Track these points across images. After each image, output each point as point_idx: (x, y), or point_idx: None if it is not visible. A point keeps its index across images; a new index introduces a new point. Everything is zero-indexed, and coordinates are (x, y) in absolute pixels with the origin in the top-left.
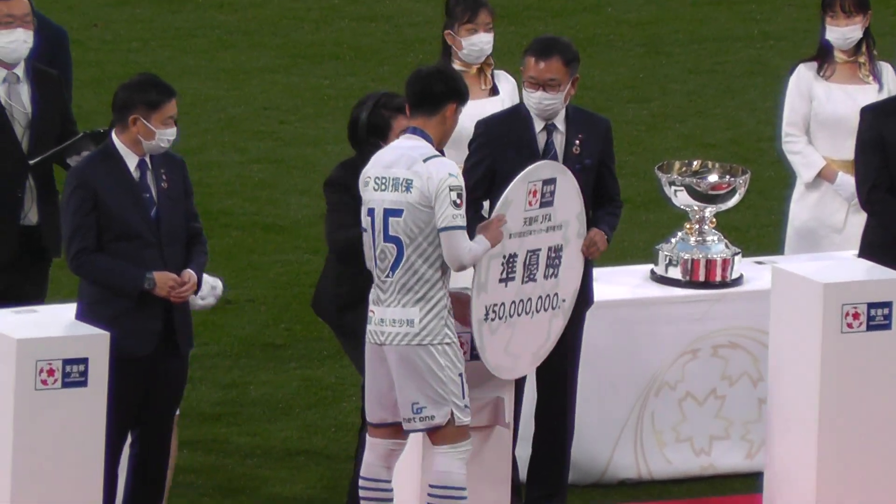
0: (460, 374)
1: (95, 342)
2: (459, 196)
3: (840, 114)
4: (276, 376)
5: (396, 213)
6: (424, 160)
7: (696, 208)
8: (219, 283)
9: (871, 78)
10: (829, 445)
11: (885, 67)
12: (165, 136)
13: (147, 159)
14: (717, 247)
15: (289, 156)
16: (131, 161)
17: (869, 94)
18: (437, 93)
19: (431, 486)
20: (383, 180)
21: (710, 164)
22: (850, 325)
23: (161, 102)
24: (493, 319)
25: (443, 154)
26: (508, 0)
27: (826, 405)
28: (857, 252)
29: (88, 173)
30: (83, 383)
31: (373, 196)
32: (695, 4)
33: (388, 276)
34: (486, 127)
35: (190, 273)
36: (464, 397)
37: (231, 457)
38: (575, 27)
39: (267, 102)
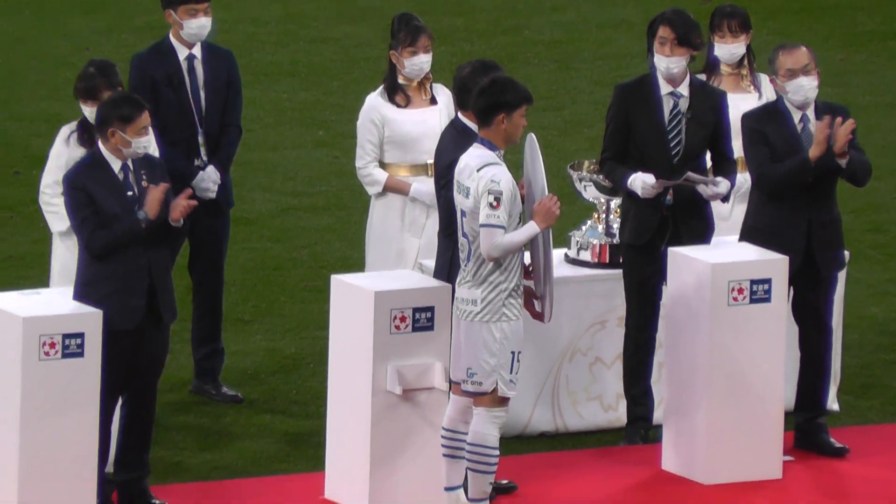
0: (513, 352)
1: (91, 318)
2: (496, 199)
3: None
4: (244, 347)
5: (464, 214)
6: (478, 169)
7: (602, 200)
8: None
9: (752, 87)
10: (717, 401)
11: (764, 78)
12: (141, 143)
13: (129, 163)
14: None
15: (253, 159)
16: (115, 165)
17: (750, 101)
18: (484, 109)
19: (469, 443)
20: (458, 185)
21: None
22: (735, 299)
23: (133, 116)
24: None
25: (501, 158)
26: (441, 24)
27: (714, 368)
28: (738, 237)
29: (80, 178)
30: (80, 354)
31: (455, 197)
32: (599, 27)
33: (465, 265)
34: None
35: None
36: (511, 372)
37: (207, 416)
38: (496, 47)
39: None
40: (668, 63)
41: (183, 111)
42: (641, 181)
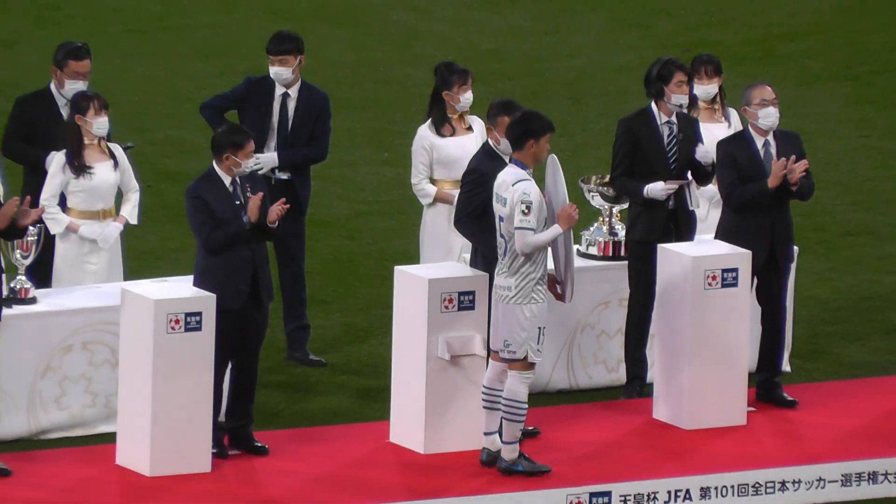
0: (539, 328)
1: (207, 300)
2: (528, 207)
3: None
4: (326, 322)
5: (502, 219)
6: (513, 184)
7: (606, 207)
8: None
9: (723, 118)
10: (697, 364)
11: (733, 112)
12: (248, 165)
13: (237, 178)
14: (622, 233)
15: (332, 174)
16: (226, 180)
17: (721, 129)
18: (515, 137)
19: (504, 398)
20: (497, 196)
21: None
22: (710, 284)
23: (243, 143)
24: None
25: (530, 175)
26: (475, 65)
27: (695, 338)
28: (714, 236)
29: (199, 188)
30: (199, 329)
31: (494, 206)
32: (604, 70)
33: (502, 259)
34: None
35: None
36: (538, 343)
37: (297, 377)
38: (522, 86)
39: None
40: (682, 99)
41: (265, 134)
42: (656, 190)
